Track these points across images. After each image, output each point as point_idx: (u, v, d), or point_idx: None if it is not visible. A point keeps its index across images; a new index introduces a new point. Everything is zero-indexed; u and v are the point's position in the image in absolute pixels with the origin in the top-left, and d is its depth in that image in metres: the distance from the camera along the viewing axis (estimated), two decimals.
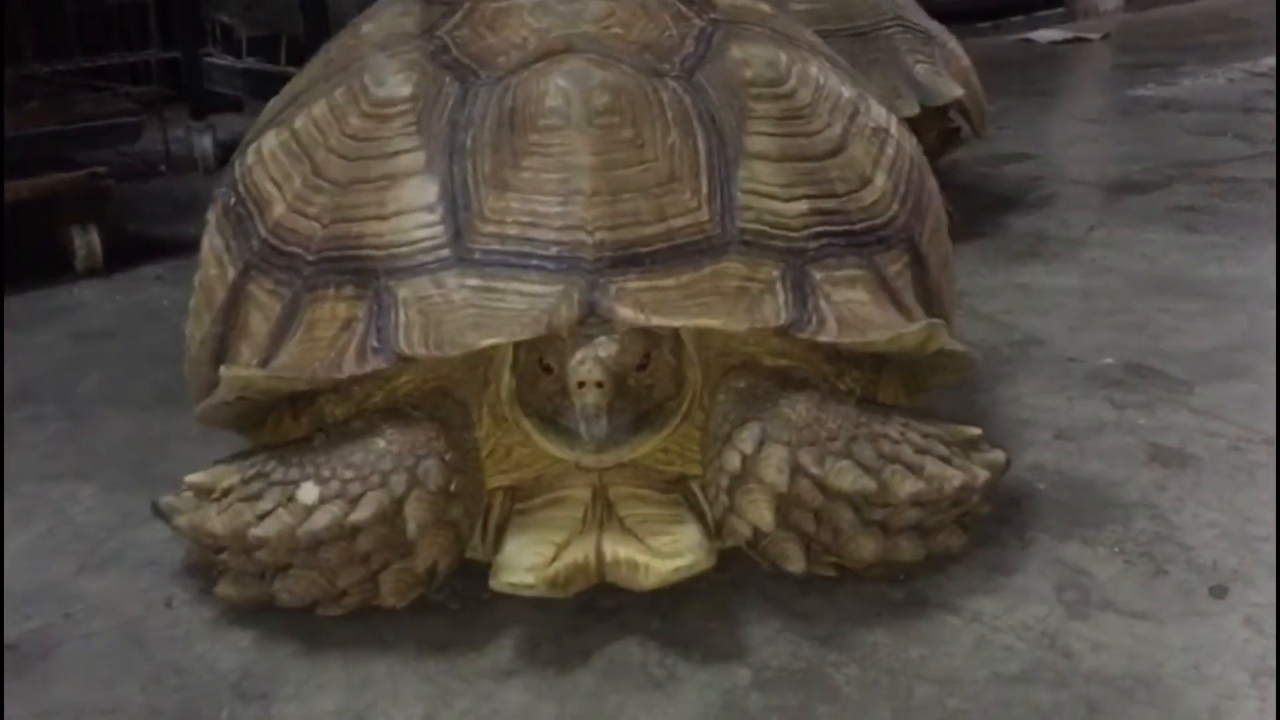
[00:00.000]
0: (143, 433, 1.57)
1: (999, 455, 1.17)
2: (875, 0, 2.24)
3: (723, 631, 1.09)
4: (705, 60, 1.24)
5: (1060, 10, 4.87)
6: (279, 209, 1.24)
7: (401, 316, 1.12)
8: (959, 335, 1.28)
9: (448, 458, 1.11)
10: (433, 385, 1.19)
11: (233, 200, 1.31)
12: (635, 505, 1.16)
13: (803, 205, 1.18)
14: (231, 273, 1.27)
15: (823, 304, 1.13)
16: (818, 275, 1.15)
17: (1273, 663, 1.00)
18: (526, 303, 1.10)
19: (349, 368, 1.11)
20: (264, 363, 1.19)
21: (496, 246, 1.13)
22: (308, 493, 1.09)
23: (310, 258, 1.20)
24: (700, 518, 1.16)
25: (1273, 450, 1.35)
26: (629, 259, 1.12)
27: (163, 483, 1.24)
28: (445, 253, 1.14)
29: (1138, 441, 1.39)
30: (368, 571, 1.11)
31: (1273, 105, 3.16)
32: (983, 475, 1.13)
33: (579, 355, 1.07)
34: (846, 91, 1.30)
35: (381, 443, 1.11)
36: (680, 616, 1.11)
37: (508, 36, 1.27)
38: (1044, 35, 4.53)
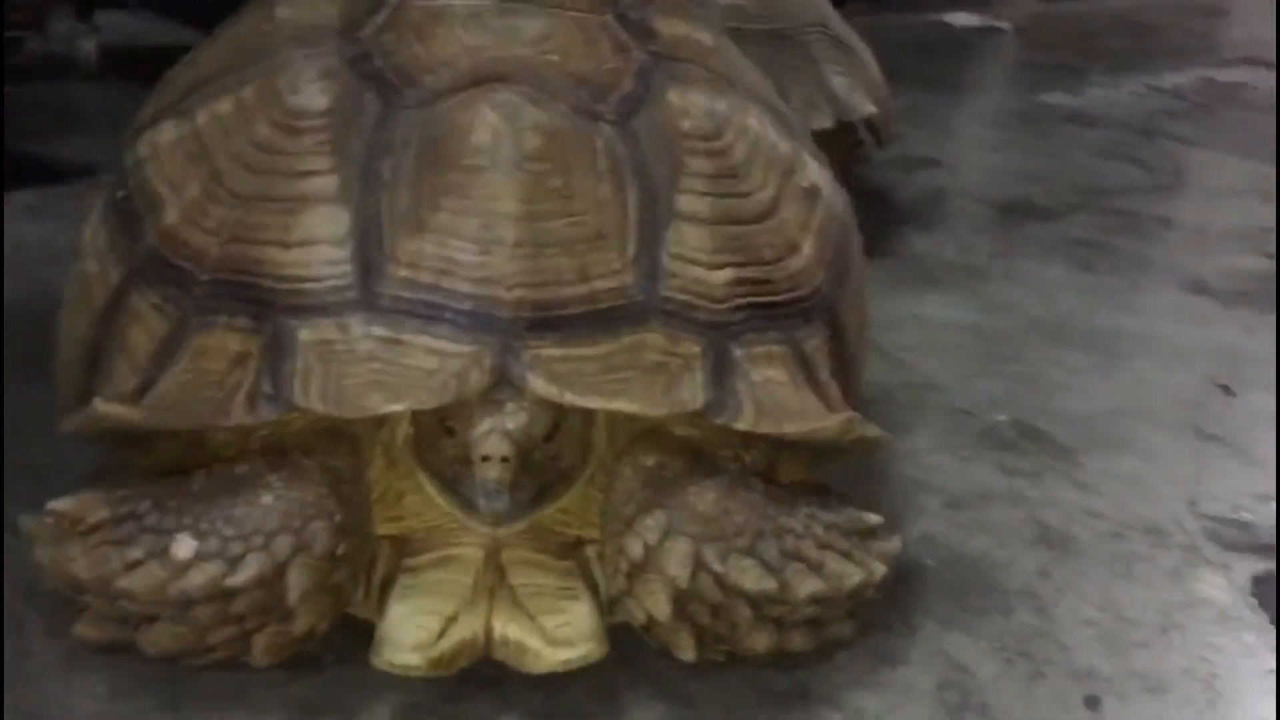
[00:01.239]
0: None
1: (895, 544, 1.16)
2: (804, 5, 2.19)
3: (606, 714, 1.07)
4: (642, 104, 1.17)
5: None
6: (172, 215, 1.15)
7: (300, 363, 1.05)
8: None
9: (337, 519, 1.05)
10: (325, 424, 1.12)
11: (120, 194, 1.21)
12: (528, 573, 1.12)
13: (728, 274, 1.14)
14: (114, 276, 1.17)
15: (740, 386, 1.10)
16: (737, 353, 1.12)
17: None
18: (435, 362, 1.04)
19: (238, 414, 1.04)
20: (143, 386, 1.10)
21: (407, 294, 1.06)
22: (183, 546, 1.02)
23: (203, 277, 1.11)
24: (593, 588, 1.13)
25: (1151, 540, 1.38)
26: (547, 321, 1.06)
27: (19, 473, 1.14)
28: (352, 295, 1.07)
29: (1024, 517, 1.40)
30: (240, 631, 1.05)
31: (1172, 130, 3.23)
32: (880, 571, 1.12)
33: (485, 426, 1.02)
34: (782, 146, 1.26)
35: (268, 498, 1.04)
36: (564, 693, 1.08)
37: (437, 51, 1.18)
38: (958, 19, 4.53)
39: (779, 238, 1.19)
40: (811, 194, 1.25)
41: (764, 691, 1.10)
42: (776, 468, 1.20)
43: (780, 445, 1.19)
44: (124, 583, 1.02)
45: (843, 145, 2.13)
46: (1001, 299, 2.03)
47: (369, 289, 1.07)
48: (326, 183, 1.11)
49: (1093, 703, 1.12)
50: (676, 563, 1.04)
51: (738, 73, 1.33)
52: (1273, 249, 2.31)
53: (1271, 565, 1.34)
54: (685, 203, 1.14)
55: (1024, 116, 3.32)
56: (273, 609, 1.04)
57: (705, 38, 1.35)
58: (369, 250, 1.08)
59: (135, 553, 1.03)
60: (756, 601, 1.06)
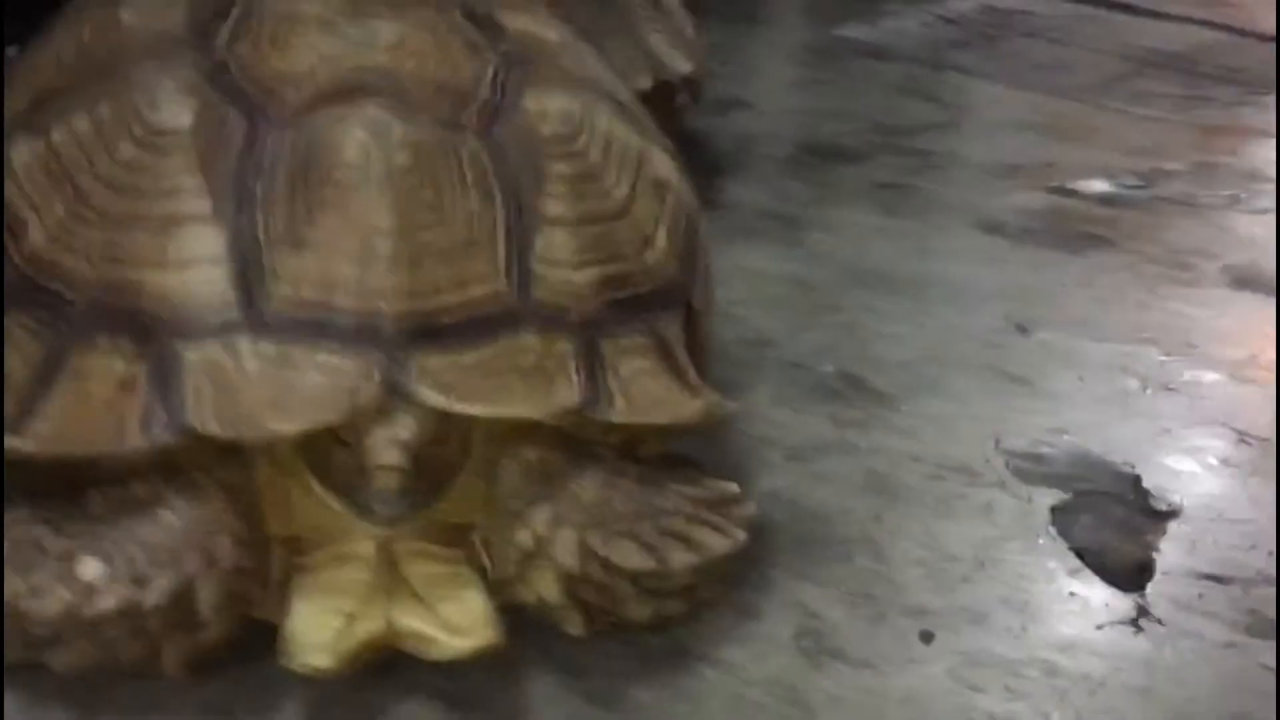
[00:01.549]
0: None
1: (751, 509, 1.28)
2: None
3: (507, 689, 1.16)
4: (502, 111, 1.23)
5: None
6: (37, 237, 1.15)
7: (190, 385, 1.08)
8: None
9: (239, 532, 1.10)
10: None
11: None
12: (421, 563, 1.19)
13: (594, 273, 1.22)
14: None
15: (611, 381, 1.19)
16: (606, 348, 1.21)
17: (975, 716, 1.19)
18: (327, 379, 1.09)
19: (133, 440, 1.07)
20: (25, 412, 1.11)
21: (291, 311, 1.11)
22: (90, 569, 1.06)
23: (79, 299, 1.13)
24: (481, 572, 1.21)
25: (964, 479, 1.55)
26: (428, 331, 1.13)
27: None
28: (236, 315, 1.11)
29: (856, 466, 1.55)
30: (151, 645, 1.09)
31: (958, 62, 3.43)
32: (742, 537, 1.24)
33: (379, 437, 1.08)
34: (632, 141, 1.33)
35: (170, 516, 1.08)
36: (464, 673, 1.16)
37: (295, 62, 1.21)
38: None
39: (635, 233, 1.28)
40: (661, 186, 1.34)
41: (644, 654, 1.22)
42: (639, 445, 1.31)
43: (646, 427, 1.29)
44: (33, 606, 1.05)
45: (663, 104, 2.21)
46: (819, 248, 2.17)
47: (253, 308, 1.11)
48: (199, 203, 1.13)
49: (927, 637, 1.28)
50: (566, 551, 1.14)
51: (584, 68, 1.40)
52: (1061, 184, 2.52)
53: (1068, 494, 1.53)
54: (549, 207, 1.21)
55: (823, 52, 3.46)
56: (183, 622, 1.08)
57: (550, 33, 1.41)
58: (249, 269, 1.12)
59: (40, 577, 1.06)
60: (637, 578, 1.17)
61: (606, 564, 1.15)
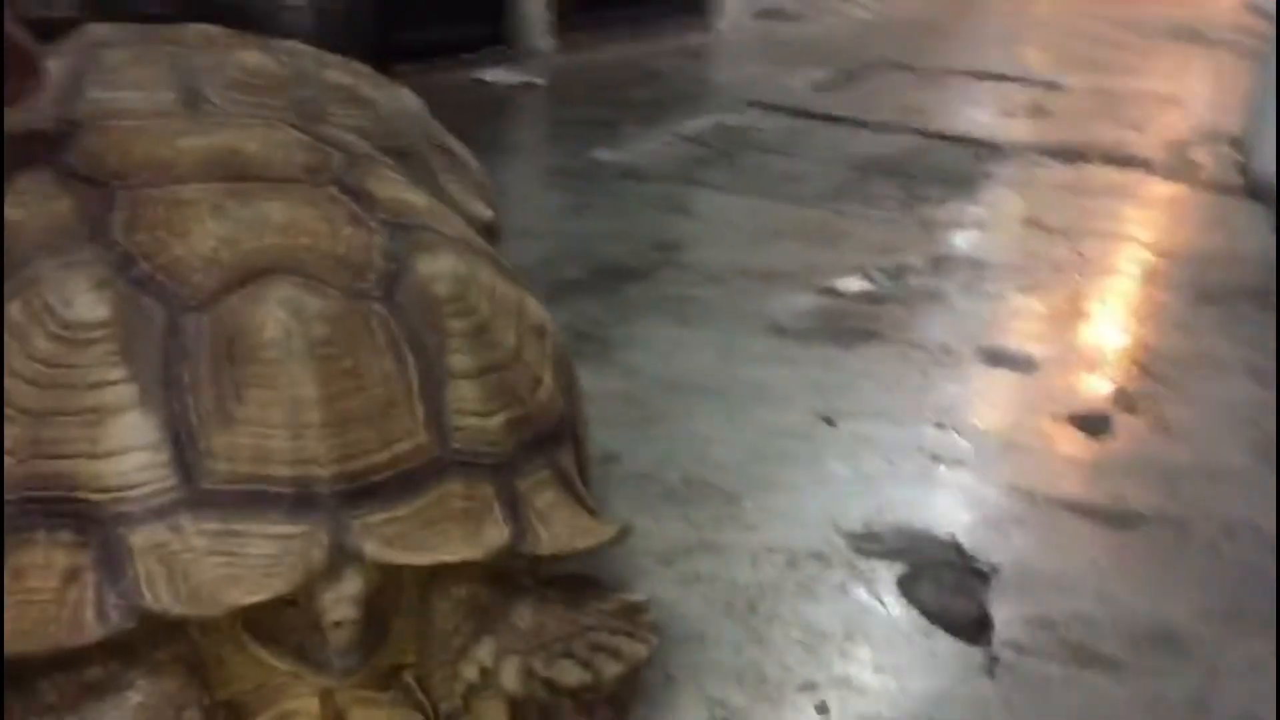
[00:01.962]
0: None
1: (652, 615, 1.40)
2: (411, 117, 2.37)
3: None
4: (398, 278, 1.33)
5: (503, 48, 5.22)
6: None
7: (140, 568, 1.12)
8: None
9: (205, 702, 1.13)
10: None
11: None
12: (364, 710, 1.24)
13: (501, 418, 1.32)
14: None
15: (530, 515, 1.30)
16: (521, 486, 1.31)
17: None
18: (275, 547, 1.14)
19: (90, 631, 1.09)
20: None
21: (230, 486, 1.16)
22: None
23: (9, 497, 1.14)
24: (419, 708, 1.28)
25: (818, 564, 1.72)
26: (363, 491, 1.20)
27: None
28: (176, 495, 1.15)
29: (720, 564, 1.70)
30: None
31: (706, 178, 3.72)
32: (655, 640, 1.36)
33: (332, 595, 1.14)
34: (510, 291, 1.45)
35: (136, 696, 1.10)
36: None
37: (194, 247, 1.27)
38: (495, 76, 4.85)
39: (527, 376, 1.39)
40: (539, 329, 1.46)
41: None
42: (542, 567, 1.41)
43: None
44: None
45: None
46: (631, 364, 2.33)
47: (193, 487, 1.15)
48: (126, 391, 1.17)
49: (822, 709, 1.43)
50: (512, 678, 1.22)
51: (452, 228, 1.51)
52: (826, 285, 2.80)
53: (906, 566, 1.73)
54: (454, 362, 1.31)
55: (581, 175, 3.68)
56: None
57: (414, 198, 1.52)
58: (185, 450, 1.16)
59: None
60: (576, 693, 1.26)
61: (549, 684, 1.24)
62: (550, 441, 1.39)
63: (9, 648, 1.09)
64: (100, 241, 1.26)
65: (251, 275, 1.25)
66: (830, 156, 4.10)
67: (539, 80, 4.86)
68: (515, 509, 1.29)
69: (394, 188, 1.49)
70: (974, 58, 6.34)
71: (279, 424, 1.19)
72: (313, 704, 1.23)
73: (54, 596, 1.11)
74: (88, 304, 1.19)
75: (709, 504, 1.85)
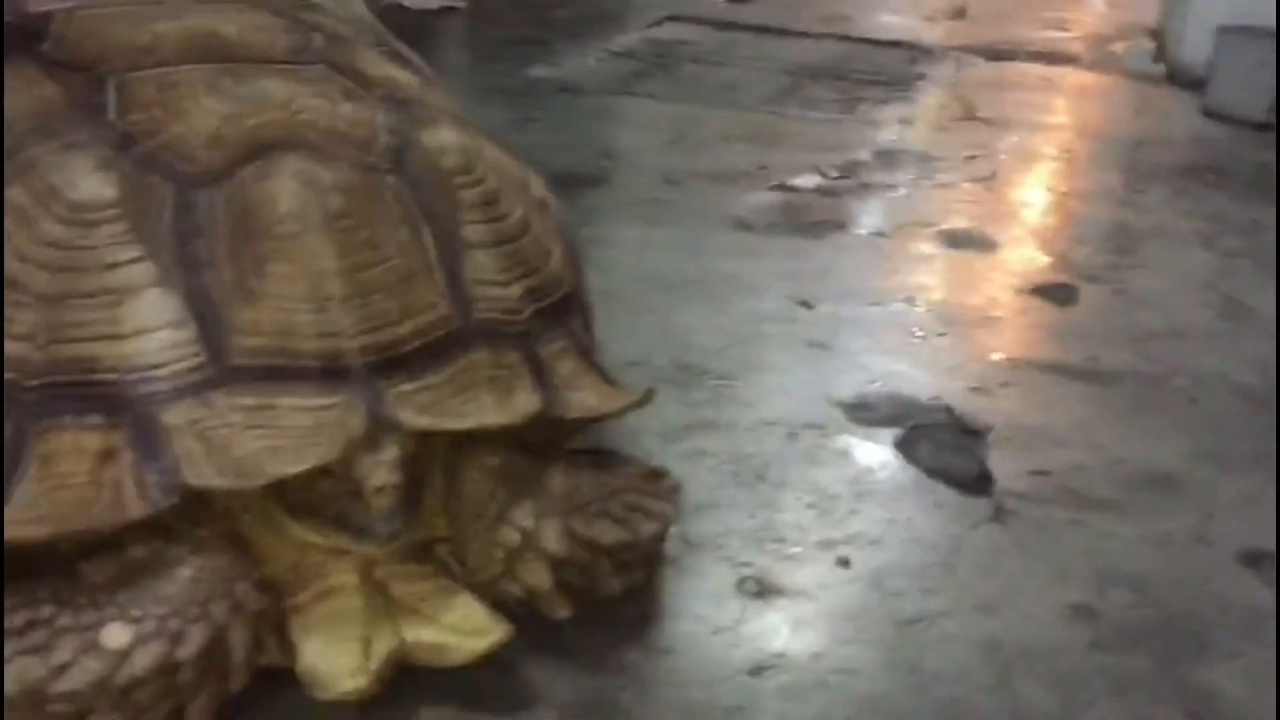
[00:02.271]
0: None
1: (674, 480, 1.42)
2: (364, 23, 2.29)
3: (510, 679, 1.23)
4: (404, 151, 1.31)
5: None
6: None
7: (176, 445, 1.09)
8: None
9: (254, 576, 1.11)
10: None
11: None
12: (406, 582, 1.24)
13: (518, 288, 1.31)
14: None
15: (556, 381, 1.29)
16: (543, 354, 1.30)
17: (900, 618, 1.37)
18: (311, 418, 1.13)
19: (135, 509, 1.07)
20: None
21: (258, 361, 1.14)
22: (117, 635, 1.04)
23: (30, 383, 1.11)
24: (457, 581, 1.27)
25: (817, 433, 1.74)
26: (391, 361, 1.19)
27: None
28: (206, 372, 1.12)
29: (723, 439, 1.71)
30: (178, 704, 1.08)
31: (644, 88, 3.70)
32: (677, 504, 1.37)
33: (372, 461, 1.13)
34: (514, 167, 1.44)
35: (187, 570, 1.08)
36: (464, 675, 1.22)
37: (197, 126, 1.23)
38: (413, 1, 4.74)
39: (538, 248, 1.38)
40: (544, 204, 1.45)
41: (621, 624, 1.32)
42: (562, 439, 1.41)
43: (576, 421, 1.39)
44: (63, 685, 1.03)
45: None
46: (604, 262, 2.30)
47: (221, 363, 1.13)
48: (142, 270, 1.14)
49: (844, 562, 1.46)
50: (553, 538, 1.22)
51: (445, 104, 1.49)
52: (782, 182, 2.81)
53: (902, 429, 1.76)
54: (469, 233, 1.30)
55: (522, 92, 3.62)
56: (214, 673, 1.08)
57: (403, 75, 1.49)
58: (209, 327, 1.14)
59: (61, 655, 1.04)
60: (614, 552, 1.27)
61: (589, 543, 1.24)
62: (565, 312, 1.38)
63: (49, 530, 1.06)
64: (96, 123, 1.22)
65: (259, 150, 1.22)
66: (762, 64, 4.09)
67: (459, 4, 4.77)
68: (541, 376, 1.28)
69: (381, 66, 1.46)
70: None
71: (301, 297, 1.17)
72: (353, 579, 1.22)
73: (90, 478, 1.08)
74: (94, 184, 1.16)
75: (702, 386, 1.86)
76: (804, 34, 4.61)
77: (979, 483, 1.64)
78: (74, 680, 1.03)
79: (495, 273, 1.30)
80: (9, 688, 1.02)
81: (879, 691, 1.26)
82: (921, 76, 3.99)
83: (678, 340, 2.01)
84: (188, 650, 1.06)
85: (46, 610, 1.05)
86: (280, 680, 1.17)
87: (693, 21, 4.75)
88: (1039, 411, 1.83)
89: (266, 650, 1.17)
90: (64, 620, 1.05)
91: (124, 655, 1.04)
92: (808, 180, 2.87)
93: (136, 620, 1.05)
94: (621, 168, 2.92)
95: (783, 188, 2.80)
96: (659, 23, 4.70)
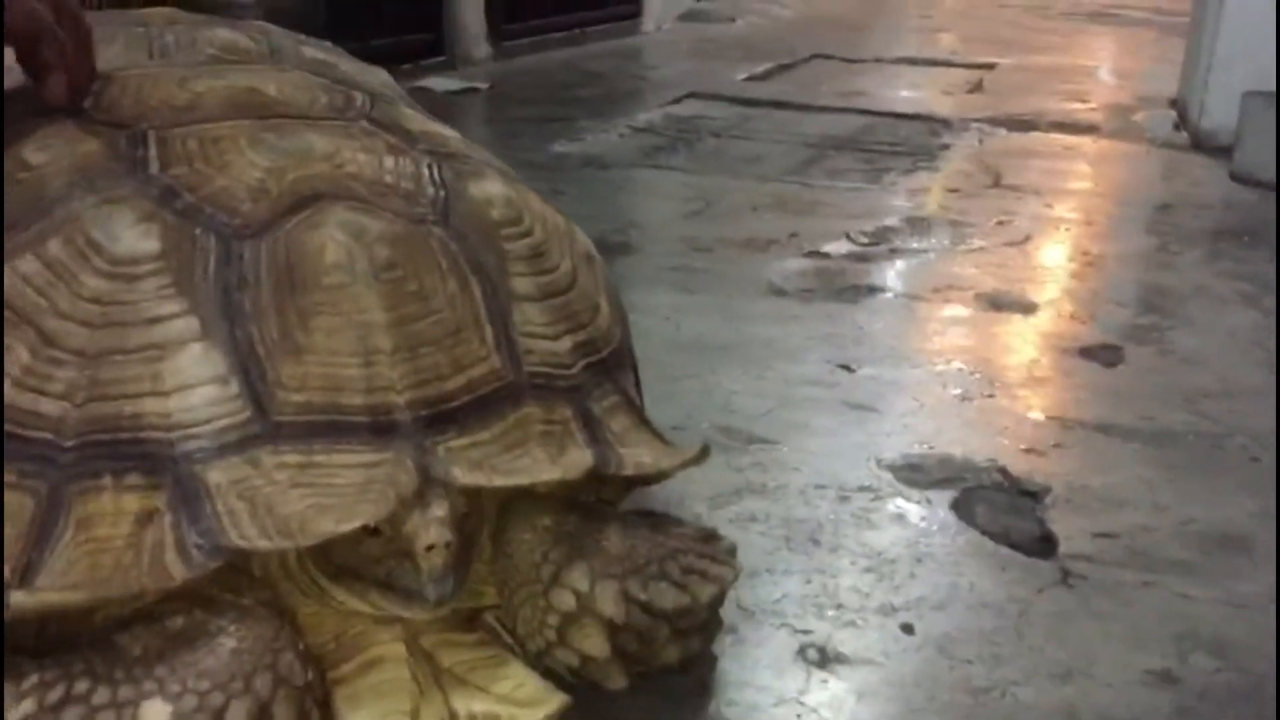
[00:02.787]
0: None
1: (730, 543, 1.36)
2: (393, 93, 2.30)
3: None
4: (451, 203, 1.27)
5: (441, 58, 5.15)
6: (3, 388, 1.07)
7: (220, 505, 1.04)
8: None
9: (300, 647, 1.05)
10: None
11: None
12: (454, 652, 1.18)
13: (568, 342, 1.27)
14: None
15: (609, 437, 1.24)
16: (595, 409, 1.26)
17: (973, 686, 1.30)
18: (361, 475, 1.08)
19: (177, 572, 1.01)
20: (24, 571, 1.03)
21: (305, 417, 1.09)
22: (156, 712, 0.98)
23: (67, 443, 1.06)
24: (508, 650, 1.21)
25: (868, 496, 1.69)
26: (441, 416, 1.14)
27: None
28: (251, 429, 1.08)
29: (773, 503, 1.65)
30: None
31: (669, 162, 3.70)
32: (739, 566, 1.31)
33: (422, 519, 1.07)
34: (559, 220, 1.41)
35: (230, 642, 1.02)
36: None
37: (240, 178, 1.20)
38: (437, 84, 4.78)
39: (586, 302, 1.34)
40: (590, 257, 1.42)
41: (678, 697, 1.26)
42: (618, 495, 1.36)
43: (628, 481, 1.34)
44: None
45: None
46: (640, 329, 2.24)
47: (267, 420, 1.09)
48: (186, 324, 1.10)
49: (908, 629, 1.39)
50: (610, 602, 1.16)
51: (488, 159, 1.46)
52: (813, 249, 2.78)
53: (956, 492, 1.70)
54: (518, 285, 1.26)
55: (549, 166, 3.62)
56: None
57: (445, 131, 1.46)
58: (254, 382, 1.09)
59: None
60: (673, 618, 1.21)
61: (647, 607, 1.18)
62: (615, 367, 1.34)
63: (86, 595, 1.01)
64: (137, 177, 1.19)
65: (303, 202, 1.19)
66: (784, 137, 4.10)
67: (481, 85, 4.81)
68: (594, 431, 1.23)
69: (423, 123, 1.44)
70: (900, 47, 6.42)
71: (349, 351, 1.12)
72: (399, 649, 1.16)
73: (129, 542, 1.03)
74: (135, 237, 1.12)
75: (747, 450, 1.81)
76: (823, 108, 4.63)
77: (1042, 545, 1.57)
78: None
79: (544, 326, 1.25)
80: None
81: None
82: (945, 147, 3.99)
83: (720, 404, 1.96)
84: None
85: (82, 685, 0.99)
86: None
87: (712, 98, 4.78)
88: (1097, 473, 1.77)
89: None
90: (100, 696, 0.99)
91: None
92: (839, 247, 2.84)
93: (176, 696, 0.99)
94: (650, 237, 2.90)
95: (814, 254, 2.78)
96: (679, 100, 4.74)
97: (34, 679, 1.00)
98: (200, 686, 1.00)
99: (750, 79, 5.25)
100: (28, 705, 0.98)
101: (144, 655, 1.02)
